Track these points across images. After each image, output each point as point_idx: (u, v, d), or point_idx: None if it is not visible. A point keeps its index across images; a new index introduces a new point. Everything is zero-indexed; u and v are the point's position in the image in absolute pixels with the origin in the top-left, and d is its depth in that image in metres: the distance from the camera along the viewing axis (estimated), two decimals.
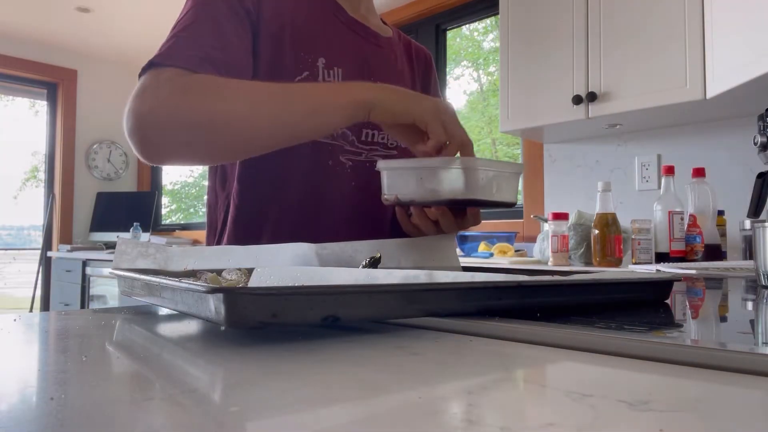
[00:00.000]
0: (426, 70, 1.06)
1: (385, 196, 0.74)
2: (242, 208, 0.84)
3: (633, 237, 1.85)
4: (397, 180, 0.73)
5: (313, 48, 0.83)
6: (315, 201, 0.84)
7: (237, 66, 0.76)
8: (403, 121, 0.70)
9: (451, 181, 0.68)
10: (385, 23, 1.01)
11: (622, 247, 1.85)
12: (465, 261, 2.10)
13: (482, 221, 0.82)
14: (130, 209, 4.24)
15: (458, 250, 2.30)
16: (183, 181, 5.13)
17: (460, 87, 3.84)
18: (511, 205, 0.73)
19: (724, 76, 1.72)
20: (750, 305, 0.62)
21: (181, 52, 0.71)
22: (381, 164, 0.74)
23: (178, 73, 0.69)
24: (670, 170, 1.85)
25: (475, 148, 0.71)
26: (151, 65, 0.70)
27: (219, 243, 0.87)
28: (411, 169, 0.71)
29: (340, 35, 0.88)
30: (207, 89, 0.68)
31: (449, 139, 0.69)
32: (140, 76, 0.70)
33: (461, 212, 0.77)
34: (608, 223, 1.83)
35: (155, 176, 4.79)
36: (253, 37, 0.79)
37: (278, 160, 0.80)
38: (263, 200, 0.84)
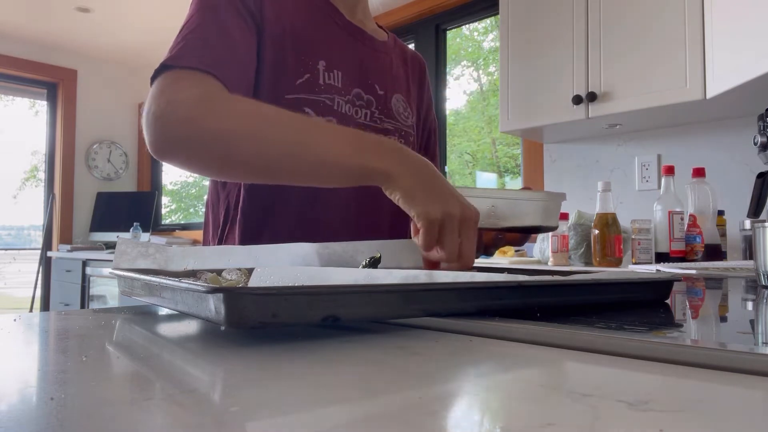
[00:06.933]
0: (420, 77, 1.08)
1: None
2: (248, 212, 0.85)
3: (633, 237, 1.85)
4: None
5: (313, 51, 0.85)
6: (315, 203, 0.85)
7: (244, 66, 0.77)
8: (406, 209, 0.62)
9: (516, 213, 0.76)
10: (381, 27, 1.02)
11: (622, 247, 1.85)
12: None
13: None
14: (130, 209, 4.24)
15: None
16: (183, 181, 5.13)
17: (460, 87, 3.84)
18: (554, 228, 0.81)
19: (724, 76, 1.71)
20: (750, 305, 0.62)
21: (193, 53, 0.71)
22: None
23: (195, 76, 0.69)
24: (670, 170, 1.85)
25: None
26: (164, 68, 0.70)
27: (221, 241, 0.88)
28: (480, 198, 0.76)
29: (339, 39, 0.90)
30: (224, 108, 0.67)
31: (442, 251, 0.61)
32: (153, 78, 0.70)
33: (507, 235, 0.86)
34: (608, 223, 1.83)
35: (155, 176, 4.79)
36: (257, 38, 0.80)
37: None
38: (266, 203, 0.84)
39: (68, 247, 3.94)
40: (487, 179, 3.64)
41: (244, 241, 0.84)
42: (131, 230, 3.97)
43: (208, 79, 0.70)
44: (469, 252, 0.62)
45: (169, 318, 0.50)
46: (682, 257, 1.79)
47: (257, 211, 0.85)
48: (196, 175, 5.02)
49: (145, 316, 0.51)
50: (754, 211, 1.26)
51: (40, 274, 4.22)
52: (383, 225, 0.93)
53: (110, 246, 4.03)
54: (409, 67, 1.04)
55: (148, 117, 0.67)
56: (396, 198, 0.63)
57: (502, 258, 2.19)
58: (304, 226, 0.84)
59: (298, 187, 0.84)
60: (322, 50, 0.86)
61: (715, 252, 1.79)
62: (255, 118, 0.66)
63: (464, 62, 3.66)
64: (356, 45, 0.92)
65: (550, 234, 1.99)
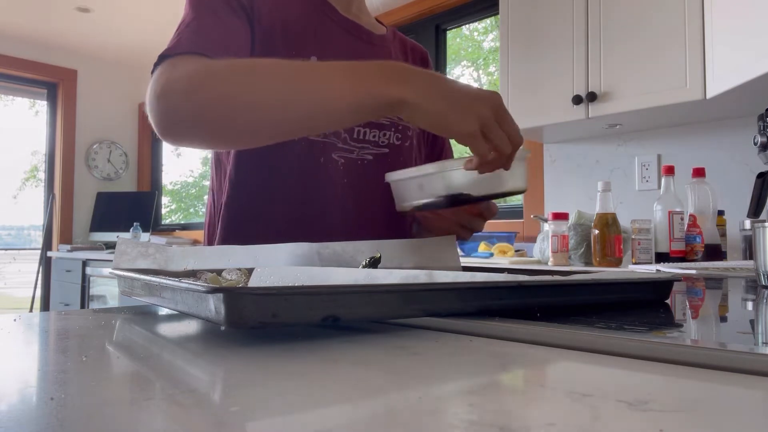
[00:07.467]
0: (422, 66, 1.06)
1: (401, 206, 0.76)
2: (233, 207, 0.84)
3: (633, 237, 1.85)
4: (403, 189, 0.75)
5: (304, 47, 0.85)
6: (307, 199, 0.84)
7: (239, 56, 0.77)
8: (440, 134, 0.64)
9: (452, 183, 0.69)
10: (380, 22, 1.02)
11: (622, 247, 1.85)
12: (465, 261, 2.10)
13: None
14: (130, 209, 4.24)
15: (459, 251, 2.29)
16: (183, 181, 5.13)
17: None
18: (522, 191, 0.74)
19: (724, 76, 1.71)
20: (750, 305, 0.62)
21: (188, 41, 0.73)
22: (388, 176, 0.76)
23: (189, 58, 0.70)
24: (670, 170, 1.85)
25: None
26: (162, 58, 0.71)
27: (212, 242, 0.88)
28: (412, 178, 0.73)
29: (331, 34, 0.89)
30: (218, 72, 0.67)
31: (496, 152, 0.63)
32: (152, 73, 0.71)
33: (476, 207, 0.81)
34: (608, 223, 1.83)
35: (155, 176, 4.79)
36: (251, 33, 0.81)
37: (270, 157, 0.81)
38: (255, 198, 0.84)
39: (68, 247, 3.94)
40: None
41: (233, 239, 0.83)
42: (131, 230, 3.97)
43: (202, 58, 0.71)
44: (515, 132, 0.64)
45: (169, 318, 0.50)
46: (682, 257, 1.79)
47: (247, 209, 0.84)
48: (196, 175, 5.03)
49: (145, 316, 0.51)
50: (754, 211, 1.26)
51: (40, 274, 4.22)
52: (378, 226, 0.92)
53: (110, 246, 4.03)
54: (409, 59, 1.03)
55: (149, 100, 0.68)
56: (422, 125, 0.63)
57: (502, 258, 2.19)
58: (296, 225, 0.84)
59: (290, 183, 0.83)
60: (313, 46, 0.85)
61: (715, 252, 1.79)
62: (252, 76, 0.66)
63: (464, 62, 3.66)
64: (351, 40, 0.91)
65: (550, 234, 1.99)
